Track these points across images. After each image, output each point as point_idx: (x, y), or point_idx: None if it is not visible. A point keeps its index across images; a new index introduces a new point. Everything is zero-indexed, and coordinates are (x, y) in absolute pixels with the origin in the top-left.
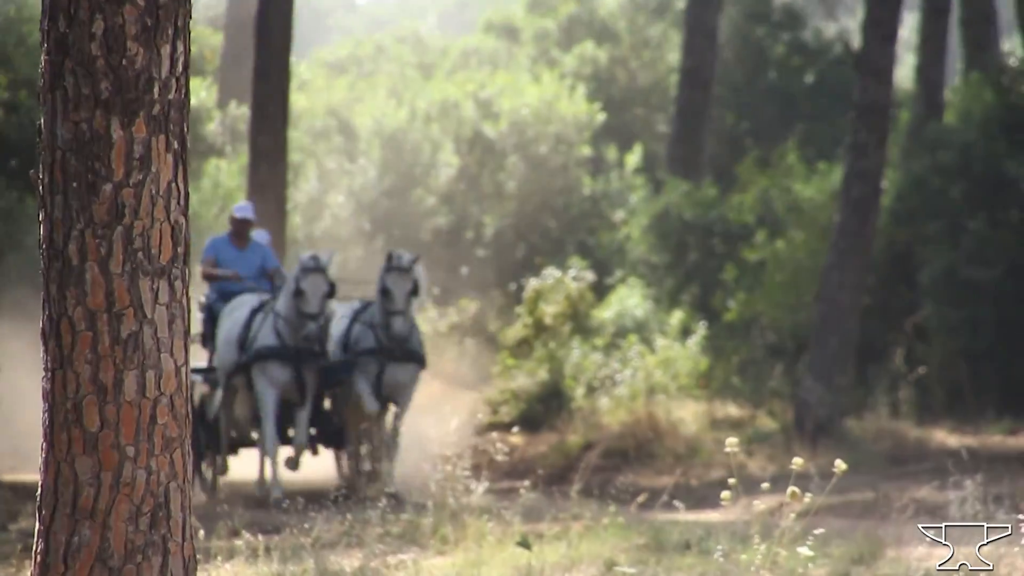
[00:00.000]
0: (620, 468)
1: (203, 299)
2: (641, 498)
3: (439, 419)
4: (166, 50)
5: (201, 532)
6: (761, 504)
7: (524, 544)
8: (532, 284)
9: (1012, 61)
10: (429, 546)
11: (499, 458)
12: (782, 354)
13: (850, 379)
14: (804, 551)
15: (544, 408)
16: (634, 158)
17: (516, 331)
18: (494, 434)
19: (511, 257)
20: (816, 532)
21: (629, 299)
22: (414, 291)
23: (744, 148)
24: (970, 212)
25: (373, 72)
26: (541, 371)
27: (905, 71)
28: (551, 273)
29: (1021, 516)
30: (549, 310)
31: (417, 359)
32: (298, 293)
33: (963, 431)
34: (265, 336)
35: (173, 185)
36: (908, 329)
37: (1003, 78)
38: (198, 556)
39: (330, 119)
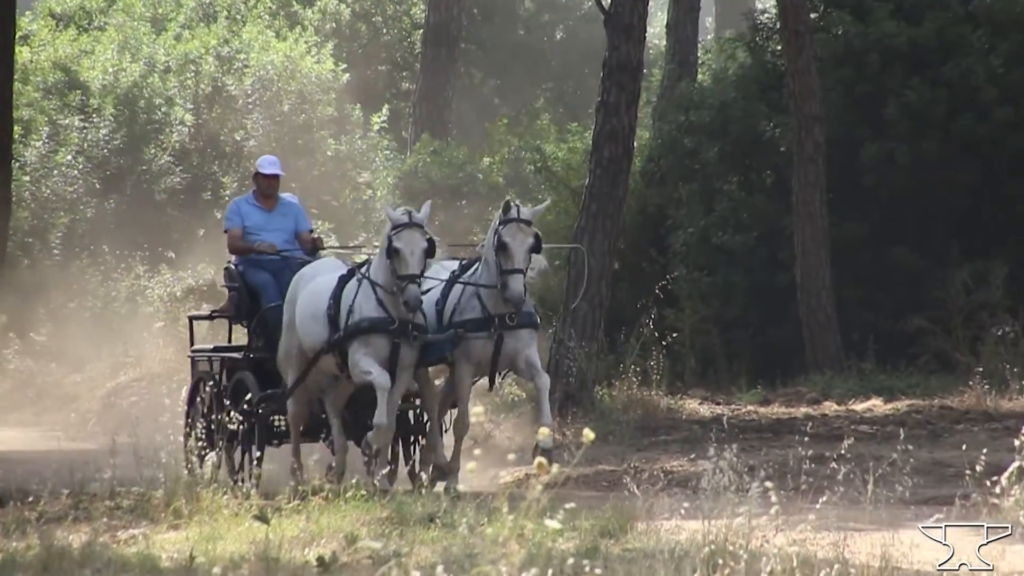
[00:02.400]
0: None
1: (232, 266)
2: (385, 470)
3: (174, 388)
4: None
5: None
6: (508, 475)
7: (261, 518)
8: None
9: (766, 18)
10: (162, 520)
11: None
12: None
13: (601, 346)
14: (552, 524)
15: None
16: (379, 118)
17: None
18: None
19: None
20: (565, 505)
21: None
22: (535, 248)
23: (493, 106)
24: (724, 175)
25: (103, 25)
26: None
27: (658, 29)
28: None
29: (770, 485)
30: None
31: (532, 323)
32: (392, 252)
33: (715, 400)
34: (367, 307)
35: None
36: (659, 295)
37: (757, 36)
38: None
39: (59, 73)
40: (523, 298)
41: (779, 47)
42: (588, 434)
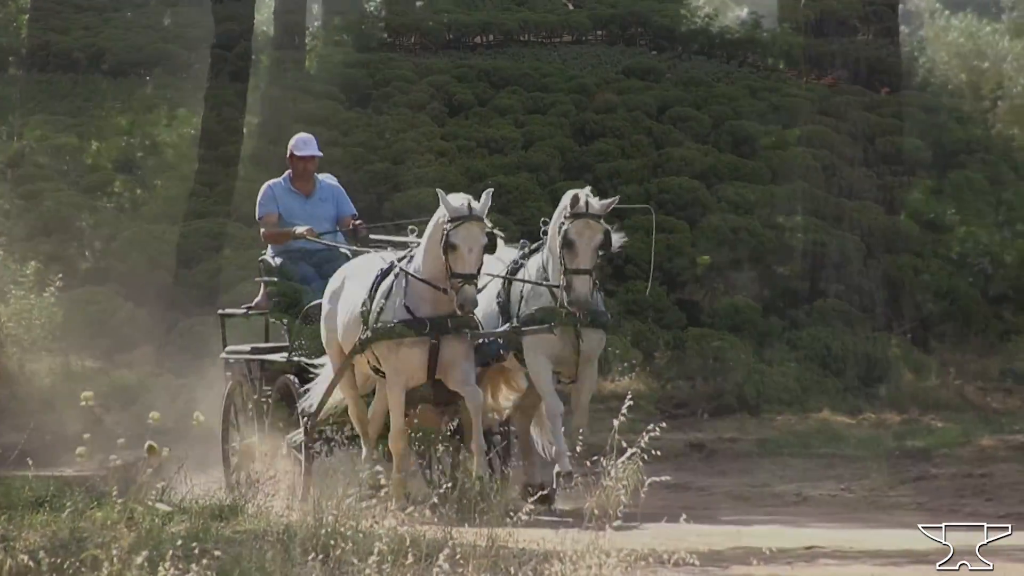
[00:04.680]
0: None
1: (269, 259)
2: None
3: None
4: None
5: None
6: (118, 459)
7: None
8: None
9: (372, 7)
10: None
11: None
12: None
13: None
14: (162, 507)
15: None
16: None
17: None
18: None
19: None
20: (177, 488)
21: None
22: (604, 245)
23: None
24: None
25: None
26: None
27: (266, 15)
28: None
29: (380, 469)
30: None
31: (604, 324)
32: (450, 248)
33: None
34: (395, 308)
35: None
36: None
37: (364, 25)
38: None
39: None
40: (589, 301)
41: (386, 36)
42: (199, 416)
